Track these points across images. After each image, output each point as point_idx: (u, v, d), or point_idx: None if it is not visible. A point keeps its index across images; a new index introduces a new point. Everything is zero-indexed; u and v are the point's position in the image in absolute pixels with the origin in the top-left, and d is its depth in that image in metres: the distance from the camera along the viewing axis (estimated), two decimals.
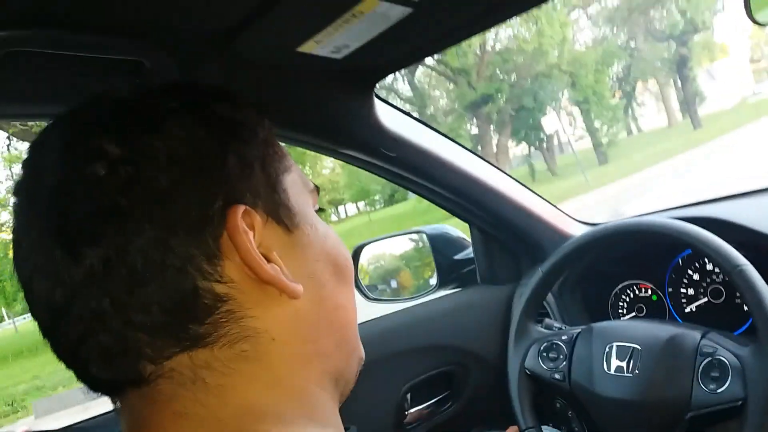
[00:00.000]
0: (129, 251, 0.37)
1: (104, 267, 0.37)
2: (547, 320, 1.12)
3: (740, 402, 0.77)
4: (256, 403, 0.40)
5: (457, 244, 1.43)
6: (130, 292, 0.37)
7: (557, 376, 0.97)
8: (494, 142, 19.41)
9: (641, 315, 1.20)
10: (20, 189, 0.42)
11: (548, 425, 1.10)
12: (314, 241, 0.46)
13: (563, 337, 1.00)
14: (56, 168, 0.40)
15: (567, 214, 1.40)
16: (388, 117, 1.05)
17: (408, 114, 1.09)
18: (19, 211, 0.42)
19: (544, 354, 1.00)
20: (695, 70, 23.86)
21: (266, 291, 0.41)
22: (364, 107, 0.99)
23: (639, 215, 1.24)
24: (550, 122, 16.64)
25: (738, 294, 1.07)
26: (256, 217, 0.41)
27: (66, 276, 0.38)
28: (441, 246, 1.41)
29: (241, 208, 0.40)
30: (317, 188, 0.50)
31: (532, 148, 20.79)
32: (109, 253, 0.37)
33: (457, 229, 1.47)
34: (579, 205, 9.71)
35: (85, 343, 0.39)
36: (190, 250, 0.38)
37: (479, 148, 18.59)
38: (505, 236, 1.33)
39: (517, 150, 22.27)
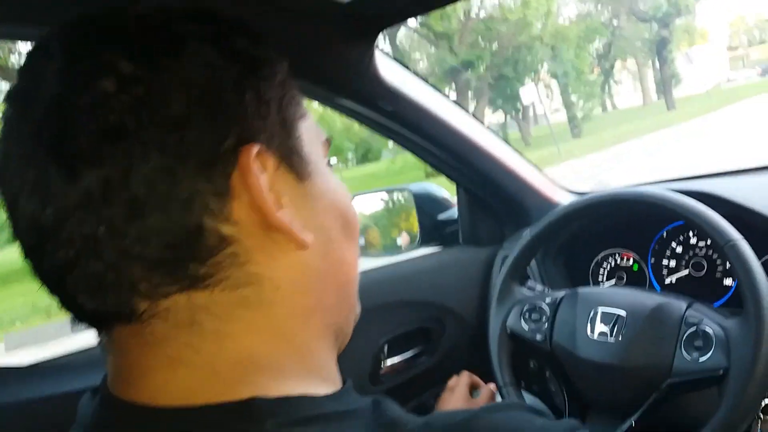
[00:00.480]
0: (132, 177, 0.35)
1: (103, 190, 0.35)
2: (529, 282, 1.12)
3: (721, 371, 0.78)
4: (255, 353, 0.38)
5: (441, 204, 1.42)
6: (128, 220, 0.35)
7: (538, 337, 0.98)
8: (470, 108, 19.39)
9: (621, 283, 1.22)
10: (15, 97, 0.39)
11: (521, 384, 1.10)
12: (325, 192, 0.44)
13: (546, 300, 1.00)
14: (59, 78, 0.36)
15: (553, 182, 1.40)
16: (387, 70, 1.02)
17: (408, 68, 1.06)
18: (10, 121, 0.38)
19: (527, 315, 1.01)
20: (674, 53, 24.05)
21: (273, 238, 0.39)
22: (365, 57, 0.95)
23: (628, 186, 1.25)
24: (527, 93, 16.66)
25: (720, 268, 1.09)
26: (270, 160, 0.39)
27: (59, 195, 0.35)
28: (425, 204, 1.40)
29: (256, 148, 0.38)
30: (329, 140, 0.48)
31: (508, 117, 20.85)
32: (110, 176, 0.35)
33: (443, 189, 1.46)
34: (550, 175, 9.83)
35: (73, 269, 0.36)
36: (199, 184, 0.36)
37: None
38: (491, 199, 1.32)
39: (492, 118, 22.32)
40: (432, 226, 1.39)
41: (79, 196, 0.35)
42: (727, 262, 0.99)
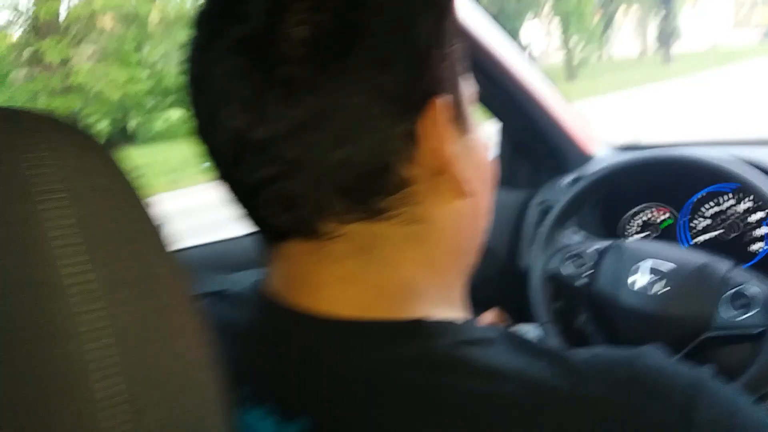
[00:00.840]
0: (343, 108, 0.37)
1: (316, 118, 0.37)
2: (570, 229, 1.17)
3: (760, 330, 0.85)
4: (414, 281, 0.43)
5: None
6: (331, 149, 0.38)
7: (580, 281, 1.04)
8: None
9: (650, 237, 1.28)
10: (218, 12, 0.40)
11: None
12: (477, 148, 0.46)
13: (591, 248, 1.06)
14: (273, 4, 0.38)
15: (592, 130, 1.43)
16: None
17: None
18: (214, 34, 0.40)
19: (570, 261, 1.06)
20: (678, 6, 23.66)
21: (442, 185, 0.42)
22: None
23: (676, 147, 1.29)
24: (527, 31, 16.35)
25: (749, 234, 1.15)
26: (449, 112, 0.41)
27: (274, 117, 0.37)
28: None
29: (445, 99, 0.40)
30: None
31: None
32: (325, 104, 0.37)
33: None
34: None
35: (271, 186, 0.39)
36: (393, 126, 0.39)
37: None
38: (534, 143, 1.35)
39: None
40: None
41: (293, 120, 0.37)
42: (758, 229, 1.06)
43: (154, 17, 12.82)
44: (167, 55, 13.27)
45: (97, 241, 0.28)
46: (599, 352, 0.40)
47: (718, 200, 1.19)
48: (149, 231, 0.32)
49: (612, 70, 19.61)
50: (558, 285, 1.08)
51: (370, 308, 0.41)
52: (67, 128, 0.30)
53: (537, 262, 1.10)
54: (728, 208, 1.19)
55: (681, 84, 13.96)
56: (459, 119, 0.43)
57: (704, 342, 0.90)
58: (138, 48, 13.37)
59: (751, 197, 1.03)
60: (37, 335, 0.26)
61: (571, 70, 19.42)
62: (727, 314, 0.89)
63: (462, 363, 0.38)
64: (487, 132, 0.51)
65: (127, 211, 0.31)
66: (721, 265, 0.94)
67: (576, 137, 1.37)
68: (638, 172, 1.12)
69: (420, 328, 0.40)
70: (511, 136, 1.38)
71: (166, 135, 13.37)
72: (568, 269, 1.06)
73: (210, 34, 0.40)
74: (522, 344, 0.40)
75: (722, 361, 0.95)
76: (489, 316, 1.07)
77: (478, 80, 1.19)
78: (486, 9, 1.12)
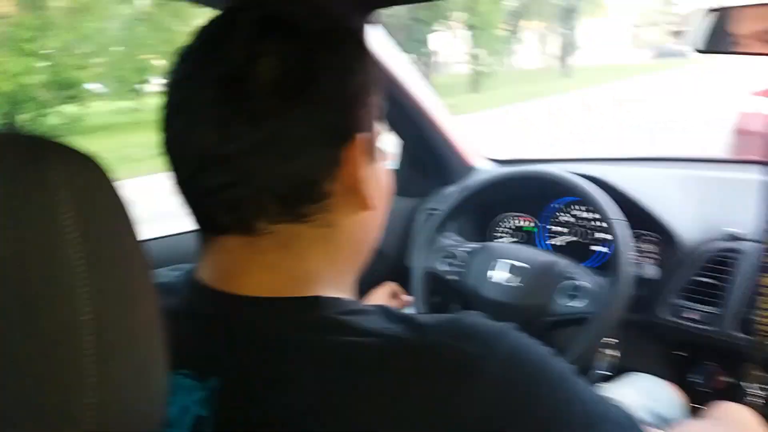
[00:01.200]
0: (290, 135, 0.48)
1: (269, 140, 0.48)
2: (447, 233, 1.38)
3: (586, 314, 1.08)
4: (317, 270, 0.54)
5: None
6: (278, 164, 0.49)
7: (453, 278, 1.24)
8: None
9: (516, 240, 1.51)
10: (201, 49, 0.52)
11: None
12: (381, 173, 0.59)
13: (463, 249, 1.27)
14: (246, 45, 0.49)
15: (474, 146, 1.66)
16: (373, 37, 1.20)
17: (389, 37, 1.26)
18: (196, 67, 0.50)
19: (446, 260, 1.27)
20: (578, 22, 25.15)
21: (351, 199, 0.54)
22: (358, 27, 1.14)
23: (540, 161, 1.53)
24: (437, 39, 16.92)
25: (592, 238, 1.40)
26: (365, 145, 0.54)
27: (238, 137, 0.48)
28: None
29: (363, 136, 0.53)
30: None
31: (414, 61, 21.01)
32: (278, 131, 0.48)
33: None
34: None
35: (226, 190, 0.49)
36: (325, 151, 0.51)
37: None
38: (425, 157, 1.56)
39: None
40: None
41: (251, 141, 0.48)
42: (601, 233, 1.31)
43: (60, 4, 12.07)
44: (68, 46, 12.61)
45: (92, 243, 0.40)
46: (441, 315, 0.54)
47: (570, 210, 1.44)
48: (130, 236, 0.42)
49: (515, 81, 20.52)
50: (435, 280, 1.27)
51: (282, 290, 0.51)
52: (75, 153, 0.40)
53: (419, 261, 1.30)
54: (577, 216, 1.44)
55: (575, 98, 14.84)
56: (371, 151, 0.56)
57: (545, 325, 1.13)
58: (36, 37, 12.58)
59: (592, 208, 1.27)
60: (50, 302, 0.39)
61: (476, 81, 20.16)
62: (561, 302, 1.11)
63: (343, 325, 0.49)
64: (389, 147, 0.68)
65: (116, 219, 0.41)
66: (562, 263, 1.17)
67: (461, 152, 1.59)
68: (506, 185, 1.34)
69: (316, 302, 0.51)
70: (407, 151, 1.58)
71: (59, 131, 12.73)
72: (443, 267, 1.26)
73: (193, 68, 0.51)
74: (391, 314, 0.51)
75: (559, 341, 1.17)
76: (384, 289, 1.26)
77: (389, 107, 1.38)
78: (400, 17, 1.31)
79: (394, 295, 1.24)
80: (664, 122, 9.06)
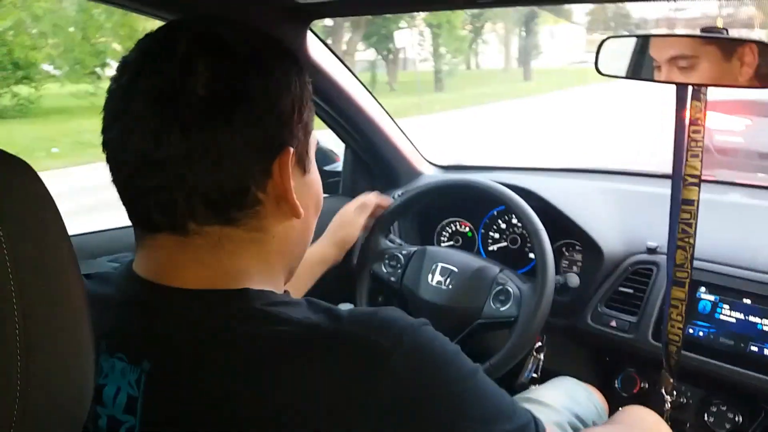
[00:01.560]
0: (221, 147, 0.52)
1: (200, 150, 0.52)
2: (391, 236, 1.42)
3: (513, 318, 1.14)
4: (248, 268, 0.58)
5: (327, 156, 1.68)
6: (208, 172, 0.52)
7: (393, 279, 1.29)
8: (345, 39, 19.28)
9: (457, 245, 1.57)
10: (142, 59, 0.55)
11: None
12: (313, 184, 0.64)
13: (403, 252, 1.31)
14: (183, 60, 0.53)
15: (420, 152, 1.71)
16: (314, 48, 1.23)
17: (330, 49, 1.29)
18: (137, 77, 0.53)
19: (386, 262, 1.31)
20: (539, 26, 25.58)
21: (282, 208, 0.58)
22: (297, 38, 1.16)
23: (482, 169, 1.59)
24: (401, 36, 16.99)
25: (528, 245, 1.47)
26: (294, 158, 0.58)
27: (171, 144, 0.51)
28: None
29: (292, 150, 0.57)
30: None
31: (379, 57, 21.05)
32: (208, 143, 0.52)
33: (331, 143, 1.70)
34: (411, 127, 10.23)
35: (160, 192, 0.53)
36: (256, 163, 0.55)
37: (330, 42, 18.32)
38: (371, 161, 1.60)
39: (365, 54, 22.36)
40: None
41: (183, 150, 0.52)
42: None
43: None
44: (20, 25, 12.18)
45: (16, 242, 0.42)
46: (362, 308, 0.61)
47: (505, 218, 1.50)
48: (57, 234, 0.44)
49: (478, 82, 20.76)
50: (377, 282, 1.32)
51: (213, 283, 0.55)
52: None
53: (361, 263, 1.34)
54: (511, 224, 1.50)
55: (533, 102, 15.11)
56: (302, 163, 0.61)
57: (476, 327, 1.18)
58: None
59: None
60: None
61: (439, 81, 20.31)
62: (492, 306, 1.17)
63: (268, 315, 0.53)
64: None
65: (41, 217, 0.43)
66: (493, 268, 1.22)
67: (405, 156, 1.63)
68: (447, 192, 1.39)
69: (245, 294, 0.55)
70: (353, 155, 1.62)
71: (14, 112, 12.33)
72: (384, 269, 1.31)
73: (132, 78, 0.54)
74: (317, 306, 0.56)
75: (489, 343, 1.24)
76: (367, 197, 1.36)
77: (329, 109, 1.41)
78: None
79: (363, 207, 1.33)
80: (612, 132, 9.31)
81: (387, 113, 1.56)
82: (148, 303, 0.57)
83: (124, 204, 0.57)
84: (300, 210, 0.59)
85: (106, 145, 0.56)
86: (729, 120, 4.42)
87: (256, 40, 0.58)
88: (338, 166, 1.66)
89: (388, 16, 18.50)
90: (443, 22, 19.69)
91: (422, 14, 21.10)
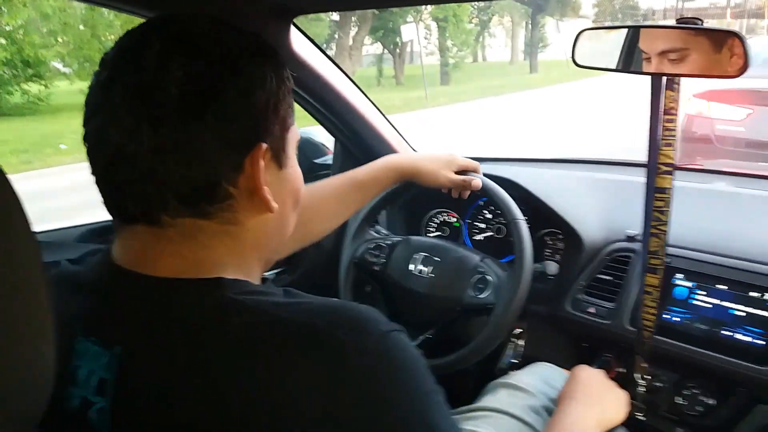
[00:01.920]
0: (192, 143, 0.54)
1: (173, 145, 0.53)
2: (377, 227, 1.45)
3: (491, 305, 1.17)
4: (221, 259, 0.60)
5: (318, 149, 1.71)
6: (180, 167, 0.54)
7: (378, 268, 1.31)
8: (352, 34, 19.30)
9: (445, 235, 1.59)
10: (119, 59, 0.56)
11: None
12: (290, 178, 0.65)
13: (387, 242, 1.34)
14: (158, 60, 0.54)
15: (408, 142, 1.73)
16: (299, 43, 1.26)
17: (315, 43, 1.31)
18: (114, 77, 0.55)
19: (372, 251, 1.34)
20: (546, 19, 25.46)
21: (255, 201, 0.59)
22: (281, 34, 1.19)
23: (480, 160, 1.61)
24: (408, 30, 16.97)
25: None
26: (268, 153, 0.59)
27: (144, 140, 0.53)
28: (305, 147, 1.67)
29: (265, 146, 0.58)
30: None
31: (386, 51, 21.04)
32: (179, 139, 0.53)
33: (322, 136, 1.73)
34: (412, 120, 10.23)
35: (133, 185, 0.55)
36: (227, 159, 0.56)
37: (337, 36, 18.37)
38: (360, 154, 1.62)
39: (371, 48, 22.36)
40: (308, 167, 1.67)
41: (155, 145, 0.53)
42: None
43: None
44: (29, 24, 12.27)
45: None
46: (338, 302, 0.58)
47: (491, 208, 1.53)
48: (20, 229, 0.45)
49: (485, 75, 20.71)
50: (362, 270, 1.34)
51: (189, 272, 0.57)
52: None
53: (347, 252, 1.36)
54: (496, 215, 1.52)
55: (538, 95, 15.04)
56: (279, 158, 0.61)
57: (456, 315, 1.21)
58: None
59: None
60: None
61: (445, 74, 20.28)
62: (471, 294, 1.19)
63: (240, 305, 0.54)
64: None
65: (4, 213, 0.44)
66: (474, 258, 1.25)
67: (394, 149, 1.66)
68: None
69: (217, 282, 0.57)
70: (343, 148, 1.65)
71: (24, 109, 12.47)
72: (369, 257, 1.33)
73: (111, 74, 0.56)
74: (292, 295, 0.57)
75: (469, 329, 1.26)
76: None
77: (315, 104, 1.44)
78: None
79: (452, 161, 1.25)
80: (613, 121, 9.24)
81: (375, 106, 1.59)
82: (120, 289, 0.59)
83: (102, 195, 0.58)
84: (272, 205, 0.60)
85: (86, 138, 0.57)
86: (730, 110, 4.41)
87: (231, 36, 0.59)
88: (329, 159, 1.69)
89: (394, 10, 18.51)
90: (450, 15, 19.66)
91: (429, 8, 21.07)
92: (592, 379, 1.02)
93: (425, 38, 20.99)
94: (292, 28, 1.22)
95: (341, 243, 1.62)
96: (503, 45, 29.05)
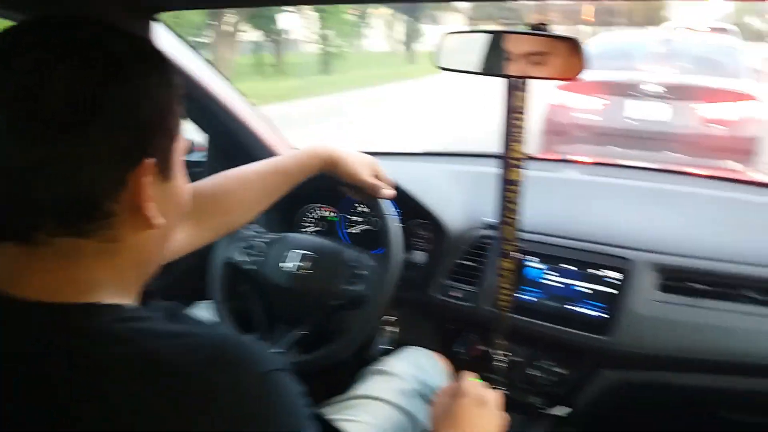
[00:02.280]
0: (71, 158, 0.50)
1: (46, 162, 0.50)
2: (252, 224, 1.45)
3: (365, 297, 1.21)
4: (100, 279, 0.56)
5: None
6: (56, 183, 0.50)
7: (252, 267, 1.32)
8: (230, 21, 18.69)
9: (322, 229, 1.63)
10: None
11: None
12: (176, 191, 0.62)
13: (262, 239, 1.35)
14: (33, 67, 0.50)
15: (283, 139, 1.74)
16: (164, 40, 1.23)
17: (182, 39, 1.29)
18: None
19: (246, 249, 1.34)
20: (421, 11, 26.07)
21: (138, 218, 0.56)
22: (139, 32, 1.16)
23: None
24: (286, 18, 16.75)
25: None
26: (153, 168, 0.55)
27: (14, 155, 0.50)
28: None
29: (151, 161, 0.55)
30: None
31: (265, 38, 20.61)
32: (55, 155, 0.50)
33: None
34: (290, 110, 10.11)
35: (2, 201, 0.51)
36: (108, 175, 0.53)
37: (215, 23, 17.70)
38: (234, 150, 1.61)
39: (251, 36, 21.79)
40: None
41: (32, 159, 0.50)
42: None
43: None
44: None
45: None
46: (216, 332, 0.57)
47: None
48: None
49: (363, 64, 20.87)
50: (235, 271, 1.34)
51: (62, 294, 0.53)
52: None
53: (220, 252, 1.36)
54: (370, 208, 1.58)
55: (415, 85, 15.40)
56: (165, 171, 0.58)
57: (331, 309, 1.24)
58: None
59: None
60: None
61: (326, 63, 20.22)
62: (343, 287, 1.24)
63: (111, 334, 0.52)
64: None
65: None
66: (348, 252, 1.29)
67: (267, 143, 1.66)
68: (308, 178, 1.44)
69: (92, 308, 0.53)
70: (215, 145, 1.63)
71: None
72: (242, 257, 1.34)
73: None
74: (175, 317, 0.57)
75: (344, 322, 1.31)
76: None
77: (187, 104, 1.41)
78: None
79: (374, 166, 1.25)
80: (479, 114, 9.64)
81: (245, 101, 1.59)
82: None
83: None
84: (155, 222, 0.57)
85: None
86: (587, 100, 4.78)
87: (114, 41, 0.55)
88: (199, 156, 1.67)
89: None
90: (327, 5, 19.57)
91: None
92: (467, 403, 0.94)
93: (304, 27, 20.78)
94: (154, 25, 1.19)
95: (214, 244, 1.60)
96: (383, 35, 29.43)
